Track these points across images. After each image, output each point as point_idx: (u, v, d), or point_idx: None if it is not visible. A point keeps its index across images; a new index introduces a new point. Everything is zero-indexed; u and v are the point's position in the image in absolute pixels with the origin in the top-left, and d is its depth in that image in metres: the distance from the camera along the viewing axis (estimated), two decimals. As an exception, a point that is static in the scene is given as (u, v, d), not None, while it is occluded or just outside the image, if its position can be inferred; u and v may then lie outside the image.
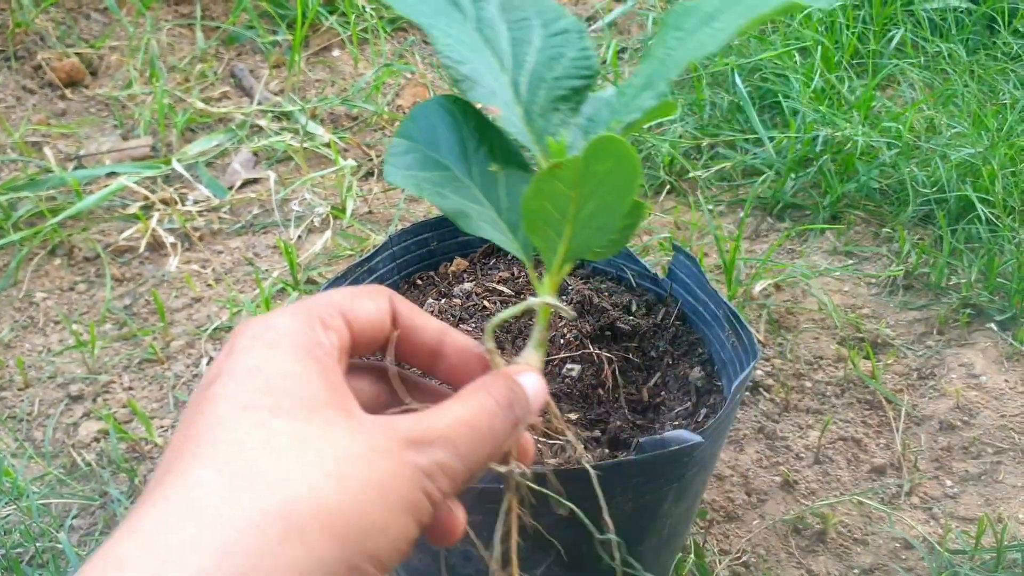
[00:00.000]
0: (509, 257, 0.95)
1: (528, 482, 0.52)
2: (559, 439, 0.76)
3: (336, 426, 0.38)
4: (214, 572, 0.32)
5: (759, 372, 1.15)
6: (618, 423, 0.80)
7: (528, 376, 0.48)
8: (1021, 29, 1.69)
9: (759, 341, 1.19)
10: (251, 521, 0.34)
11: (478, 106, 0.58)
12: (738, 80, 1.52)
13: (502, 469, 0.49)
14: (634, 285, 0.91)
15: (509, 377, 0.46)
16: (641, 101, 0.54)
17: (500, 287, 0.88)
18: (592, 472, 0.59)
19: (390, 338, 0.47)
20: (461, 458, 0.40)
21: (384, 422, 0.40)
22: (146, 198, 1.43)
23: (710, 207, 1.40)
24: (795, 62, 1.56)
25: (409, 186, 0.57)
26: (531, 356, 0.53)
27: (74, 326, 1.23)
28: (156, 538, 0.33)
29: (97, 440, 1.09)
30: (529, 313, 0.56)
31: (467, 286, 0.89)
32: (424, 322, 0.48)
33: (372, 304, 0.46)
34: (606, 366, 0.83)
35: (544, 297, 0.54)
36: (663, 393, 0.83)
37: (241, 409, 0.37)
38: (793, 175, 1.42)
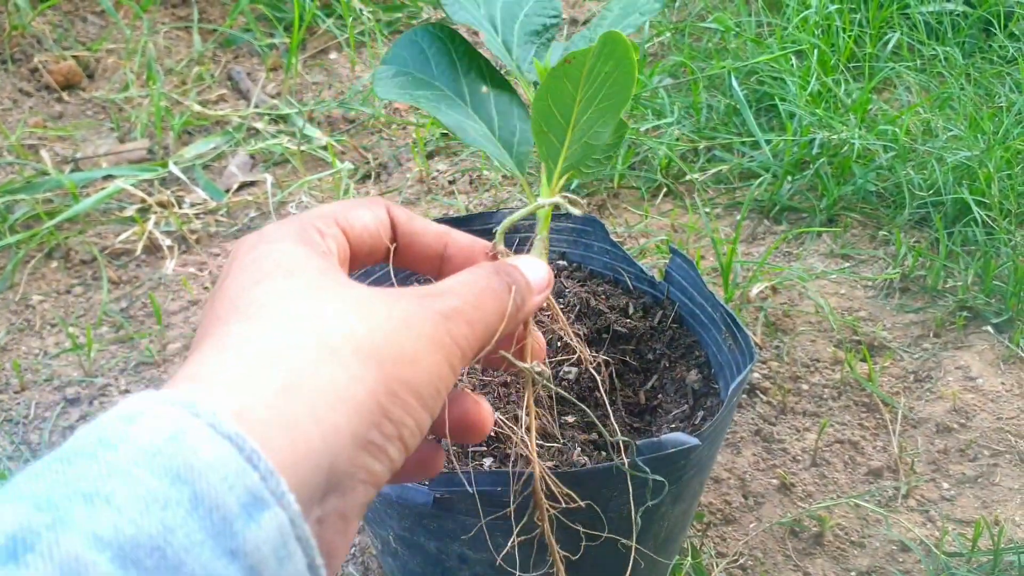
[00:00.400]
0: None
1: (545, 381, 0.54)
2: (555, 443, 0.76)
3: (350, 283, 0.39)
4: (257, 384, 0.33)
5: (756, 375, 1.15)
6: (615, 426, 0.80)
7: (525, 259, 0.48)
8: (1017, 32, 1.70)
9: (756, 344, 1.19)
10: (289, 346, 0.35)
11: (462, 32, 0.62)
12: (735, 83, 1.52)
13: (521, 365, 0.51)
14: (631, 288, 0.91)
15: (503, 261, 0.48)
16: (629, 21, 0.60)
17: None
18: (598, 377, 0.62)
19: (390, 249, 0.47)
20: (473, 308, 0.41)
21: (391, 287, 0.41)
22: (143, 201, 1.42)
23: (707, 210, 1.40)
24: (791, 65, 1.56)
25: (404, 99, 0.59)
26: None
27: (70, 329, 1.23)
28: (198, 369, 0.34)
29: (93, 443, 1.09)
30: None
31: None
32: (424, 227, 0.48)
33: (368, 213, 0.46)
34: (603, 369, 0.83)
35: (554, 197, 0.55)
36: (660, 396, 0.83)
37: (254, 283, 0.38)
38: (790, 178, 1.42)
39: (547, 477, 0.58)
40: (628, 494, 0.68)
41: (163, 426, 0.30)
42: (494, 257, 0.50)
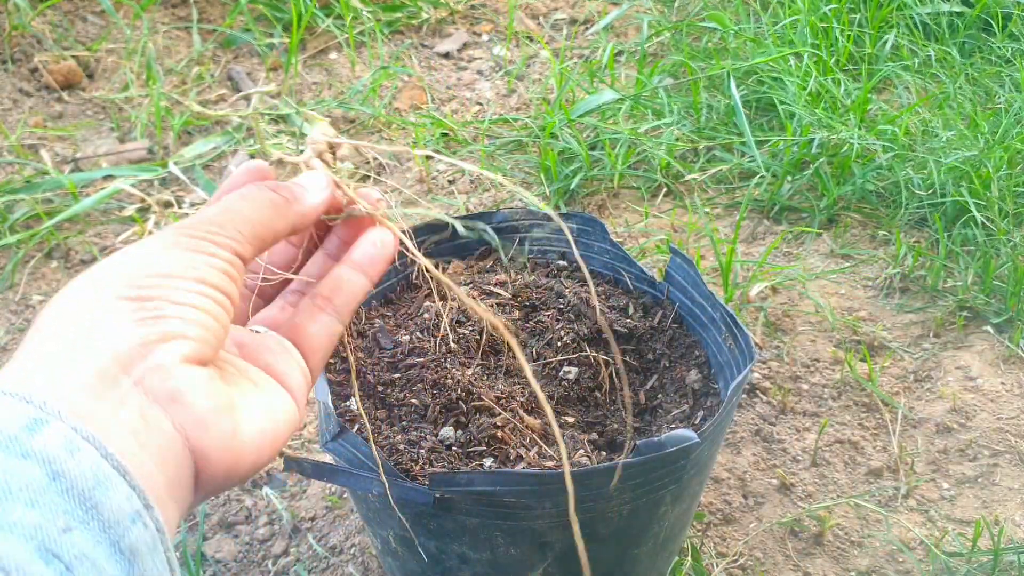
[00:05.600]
0: (506, 260, 0.95)
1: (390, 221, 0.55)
2: (556, 443, 0.76)
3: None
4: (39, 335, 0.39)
5: (756, 375, 1.15)
6: (615, 426, 0.80)
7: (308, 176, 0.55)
8: (1015, 32, 1.70)
9: (756, 344, 1.19)
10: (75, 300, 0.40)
11: None
12: (732, 85, 1.52)
13: (358, 211, 0.54)
14: (631, 288, 0.91)
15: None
16: None
17: (496, 290, 0.88)
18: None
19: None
20: (217, 212, 0.45)
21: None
22: (142, 201, 1.42)
23: (707, 210, 1.40)
24: (791, 66, 1.56)
25: None
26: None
27: (70, 329, 1.23)
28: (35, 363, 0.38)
29: (93, 443, 1.09)
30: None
31: (463, 289, 0.89)
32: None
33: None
34: (603, 369, 0.83)
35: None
36: (660, 396, 0.83)
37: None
38: (789, 178, 1.42)
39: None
40: (628, 493, 0.68)
41: None
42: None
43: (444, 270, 0.93)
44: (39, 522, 0.32)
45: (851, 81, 1.60)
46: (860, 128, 1.46)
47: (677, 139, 1.50)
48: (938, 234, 1.31)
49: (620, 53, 1.79)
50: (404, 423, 0.76)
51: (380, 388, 0.78)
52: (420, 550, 0.74)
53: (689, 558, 0.94)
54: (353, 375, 0.60)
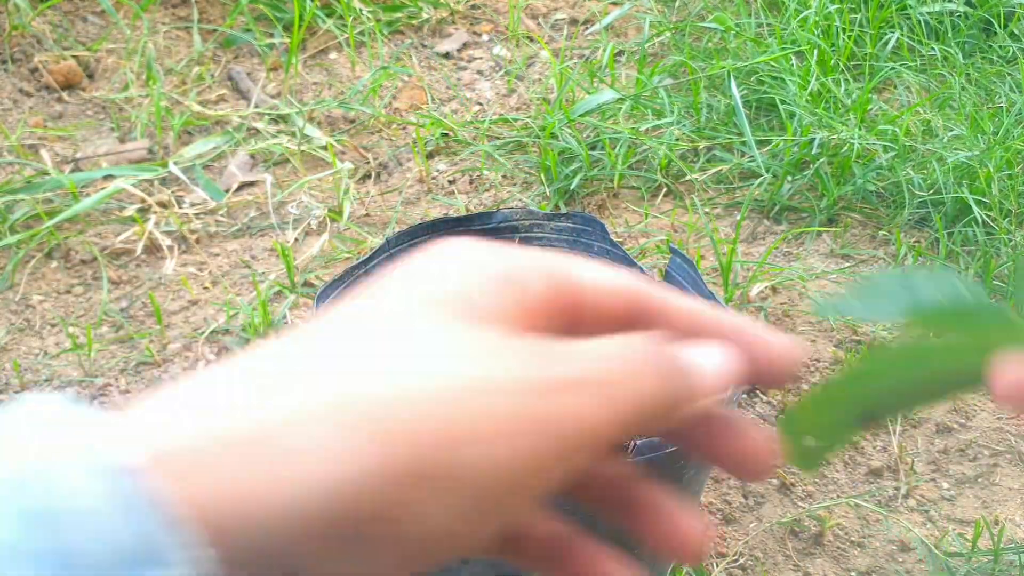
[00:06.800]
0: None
1: None
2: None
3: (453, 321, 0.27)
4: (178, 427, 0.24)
5: (756, 375, 1.15)
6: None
7: (706, 350, 0.31)
8: (1017, 32, 1.70)
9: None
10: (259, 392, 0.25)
11: None
12: (733, 86, 1.52)
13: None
14: (631, 288, 0.91)
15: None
16: None
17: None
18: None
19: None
20: (619, 378, 0.27)
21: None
22: (143, 201, 1.42)
23: (707, 210, 1.40)
24: (791, 65, 1.56)
25: None
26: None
27: (71, 329, 1.23)
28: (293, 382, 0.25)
29: (93, 443, 1.09)
30: None
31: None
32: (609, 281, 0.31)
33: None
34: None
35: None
36: (660, 396, 0.83)
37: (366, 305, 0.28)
38: (790, 178, 1.42)
39: None
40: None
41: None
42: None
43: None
44: None
45: (851, 81, 1.59)
46: (861, 128, 1.46)
47: (677, 139, 1.50)
48: (938, 234, 1.31)
49: (620, 53, 1.78)
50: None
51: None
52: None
53: (689, 558, 0.93)
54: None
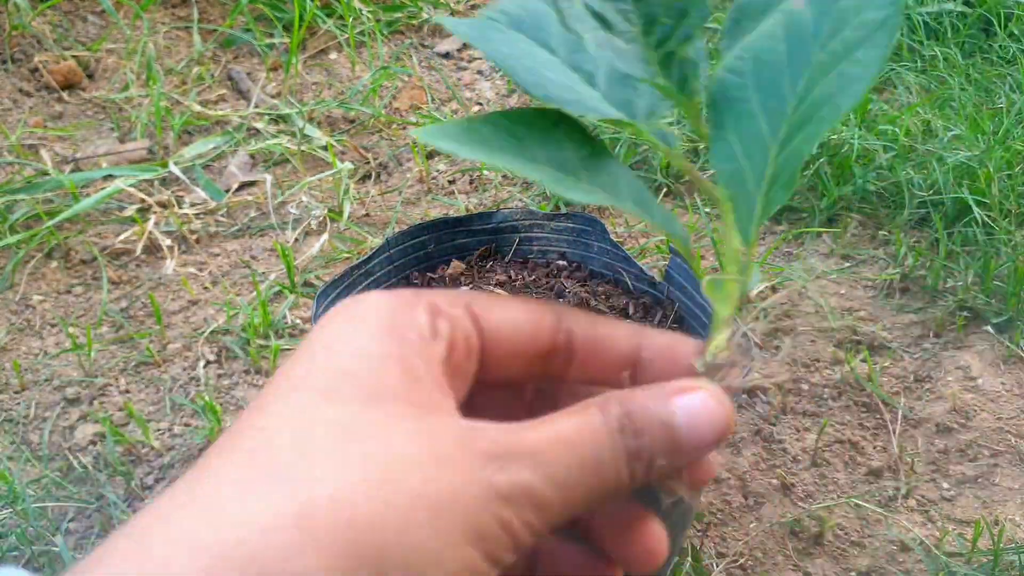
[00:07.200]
0: (506, 260, 0.95)
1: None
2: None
3: (399, 424, 0.30)
4: None
5: (755, 374, 1.15)
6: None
7: (694, 398, 0.35)
8: (1017, 32, 1.70)
9: (756, 344, 1.19)
10: (259, 523, 0.28)
11: None
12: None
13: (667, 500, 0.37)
14: (631, 288, 0.91)
15: (637, 399, 0.34)
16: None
17: (497, 290, 0.88)
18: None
19: (559, 356, 0.37)
20: (556, 486, 0.31)
21: (468, 428, 0.31)
22: (143, 201, 1.42)
23: (707, 210, 1.40)
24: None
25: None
26: (713, 348, 0.39)
27: (70, 329, 1.23)
28: (147, 534, 0.28)
29: (93, 443, 1.09)
30: None
31: (464, 289, 0.89)
32: (611, 331, 0.37)
33: (522, 313, 0.36)
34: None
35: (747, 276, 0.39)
36: (660, 396, 0.83)
37: (290, 390, 0.31)
38: (790, 178, 1.42)
39: None
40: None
41: None
42: (693, 372, 0.38)
43: (444, 269, 0.93)
44: None
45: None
46: (860, 128, 1.46)
47: (677, 139, 1.50)
48: (938, 234, 1.31)
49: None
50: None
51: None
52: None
53: (689, 558, 0.94)
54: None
